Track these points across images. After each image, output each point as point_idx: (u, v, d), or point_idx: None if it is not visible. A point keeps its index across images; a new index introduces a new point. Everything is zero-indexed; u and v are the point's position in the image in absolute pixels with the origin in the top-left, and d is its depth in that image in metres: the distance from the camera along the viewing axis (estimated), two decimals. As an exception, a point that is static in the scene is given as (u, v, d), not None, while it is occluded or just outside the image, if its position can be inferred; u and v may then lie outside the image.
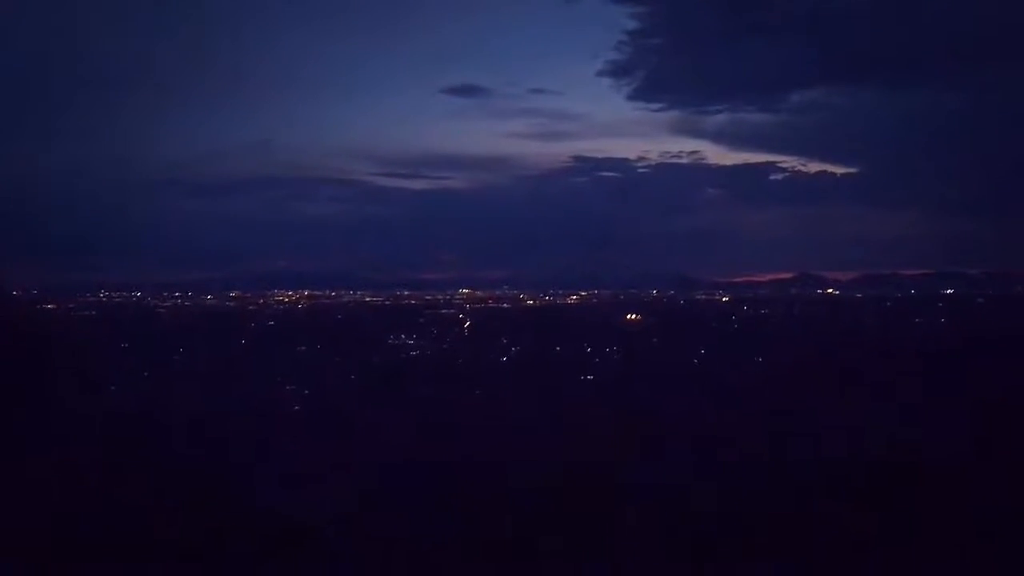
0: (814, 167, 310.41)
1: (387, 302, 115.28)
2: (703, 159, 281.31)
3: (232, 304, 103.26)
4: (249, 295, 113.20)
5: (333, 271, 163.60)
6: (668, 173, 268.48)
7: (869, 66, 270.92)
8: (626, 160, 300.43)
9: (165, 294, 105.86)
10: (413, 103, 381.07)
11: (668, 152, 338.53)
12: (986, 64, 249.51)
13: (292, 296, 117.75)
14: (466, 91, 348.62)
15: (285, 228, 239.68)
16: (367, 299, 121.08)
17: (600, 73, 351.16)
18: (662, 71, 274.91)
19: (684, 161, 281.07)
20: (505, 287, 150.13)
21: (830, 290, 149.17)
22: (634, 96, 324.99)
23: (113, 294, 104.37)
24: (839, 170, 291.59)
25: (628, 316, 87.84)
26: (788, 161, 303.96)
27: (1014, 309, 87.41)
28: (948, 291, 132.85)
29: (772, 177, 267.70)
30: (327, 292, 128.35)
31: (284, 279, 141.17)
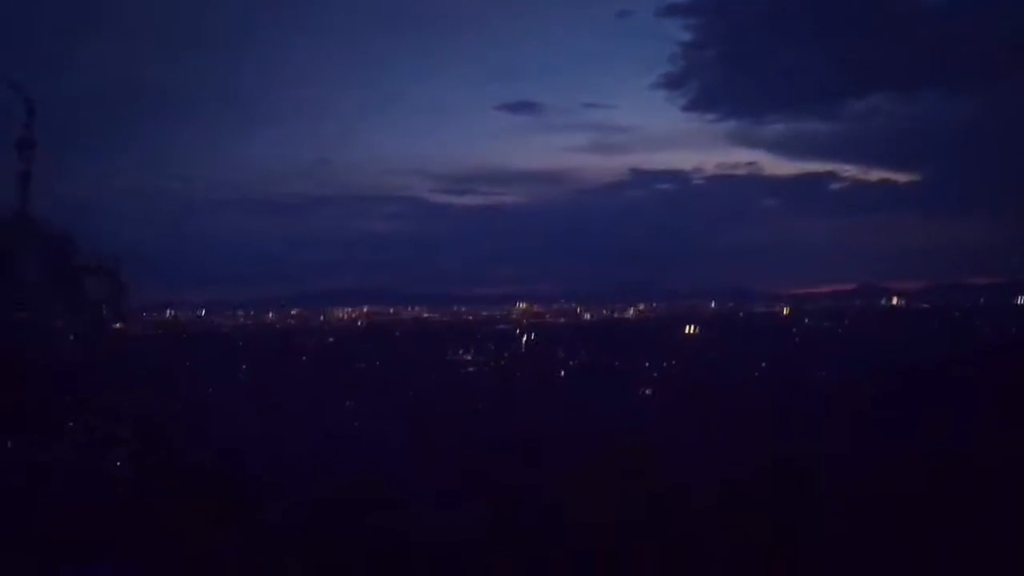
0: (875, 175, 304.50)
1: (444, 318, 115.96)
2: (760, 169, 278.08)
3: (293, 322, 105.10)
4: (309, 312, 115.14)
5: (391, 288, 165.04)
6: (725, 184, 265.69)
7: (929, 71, 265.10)
8: (682, 172, 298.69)
9: (228, 313, 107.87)
10: (468, 120, 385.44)
11: (725, 163, 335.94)
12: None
13: (351, 313, 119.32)
14: (521, 107, 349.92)
15: (343, 246, 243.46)
16: (425, 315, 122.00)
17: (654, 86, 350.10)
18: (717, 82, 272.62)
19: (741, 172, 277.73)
20: (562, 301, 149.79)
21: (895, 300, 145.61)
22: (689, 108, 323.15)
23: (178, 312, 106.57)
24: (901, 178, 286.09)
25: (686, 330, 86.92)
26: (848, 170, 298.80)
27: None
28: (1019, 300, 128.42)
29: (831, 186, 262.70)
30: (385, 309, 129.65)
31: (343, 296, 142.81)
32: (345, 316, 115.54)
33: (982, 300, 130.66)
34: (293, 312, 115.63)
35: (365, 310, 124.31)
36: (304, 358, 66.78)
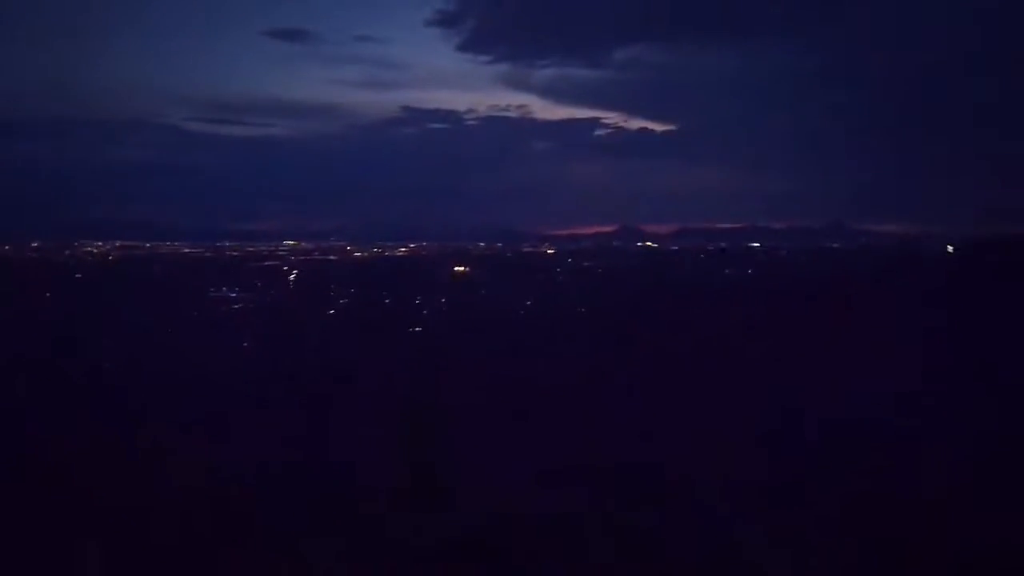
0: (636, 123, 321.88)
1: (208, 254, 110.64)
2: (531, 113, 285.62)
3: (33, 255, 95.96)
4: (53, 246, 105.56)
5: (147, 221, 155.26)
6: (496, 126, 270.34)
7: (689, 23, 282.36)
8: (455, 112, 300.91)
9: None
10: (233, 45, 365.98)
11: (497, 105, 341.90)
12: (802, 23, 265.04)
13: (101, 247, 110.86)
14: (290, 35, 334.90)
15: (91, 175, 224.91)
16: (186, 251, 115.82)
17: (429, 23, 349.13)
18: (491, 22, 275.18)
19: (512, 115, 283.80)
20: (332, 239, 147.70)
21: (649, 243, 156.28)
22: (463, 47, 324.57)
23: None
24: (659, 127, 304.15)
25: (456, 268, 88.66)
26: (612, 117, 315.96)
27: (814, 261, 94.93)
28: (755, 244, 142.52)
29: (596, 132, 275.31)
30: (141, 243, 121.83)
31: (91, 229, 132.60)
32: (95, 250, 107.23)
33: (724, 244, 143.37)
34: (33, 245, 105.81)
35: (118, 244, 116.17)
36: (47, 294, 61.60)
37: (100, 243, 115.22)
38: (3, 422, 19.23)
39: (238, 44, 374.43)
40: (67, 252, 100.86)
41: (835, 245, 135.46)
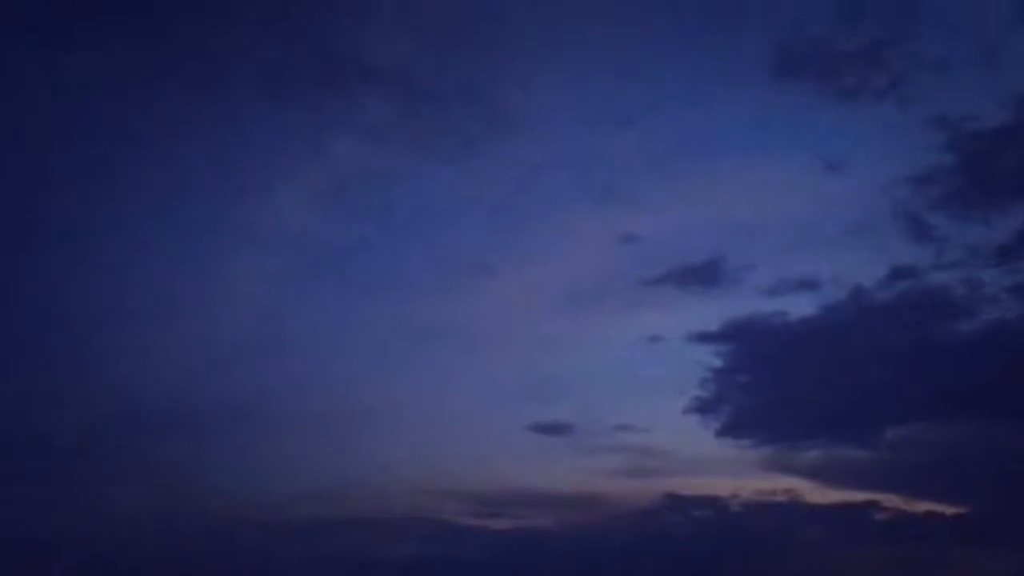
0: (921, 506, 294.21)
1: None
2: (800, 496, 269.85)
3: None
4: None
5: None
6: (763, 511, 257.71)
7: (968, 398, 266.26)
8: (719, 498, 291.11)
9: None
10: (497, 440, 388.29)
11: (762, 490, 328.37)
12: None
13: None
14: (552, 429, 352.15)
15: (367, 572, 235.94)
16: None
17: (687, 410, 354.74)
18: (749, 407, 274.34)
19: (780, 499, 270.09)
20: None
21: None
22: (723, 432, 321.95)
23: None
24: (948, 509, 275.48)
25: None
26: (891, 499, 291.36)
27: None
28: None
29: (875, 516, 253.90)
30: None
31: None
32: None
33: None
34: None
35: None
36: None
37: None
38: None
39: (504, 440, 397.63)
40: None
41: None
